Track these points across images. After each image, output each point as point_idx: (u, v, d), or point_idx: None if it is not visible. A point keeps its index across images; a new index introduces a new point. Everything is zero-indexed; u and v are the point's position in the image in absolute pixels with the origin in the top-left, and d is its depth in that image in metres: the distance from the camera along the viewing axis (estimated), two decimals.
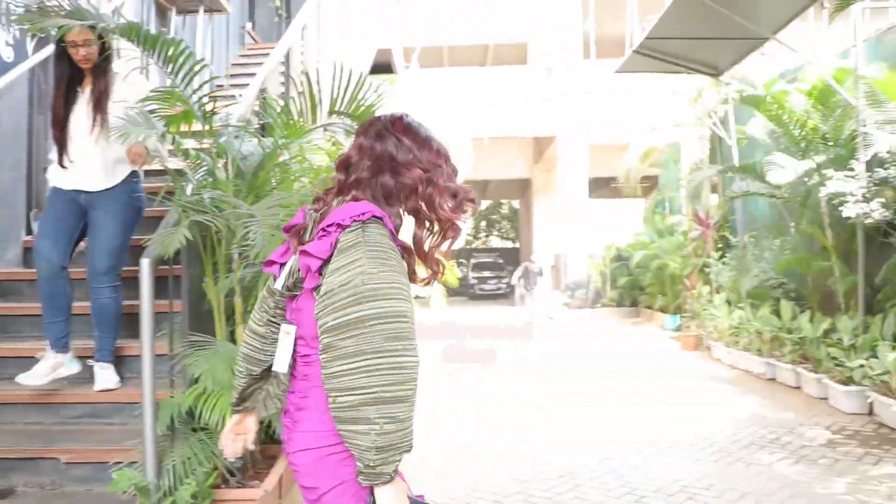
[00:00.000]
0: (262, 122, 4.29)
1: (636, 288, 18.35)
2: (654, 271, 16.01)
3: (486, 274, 31.86)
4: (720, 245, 12.63)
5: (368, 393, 1.66)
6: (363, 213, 1.78)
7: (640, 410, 7.43)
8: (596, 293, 19.50)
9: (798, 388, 8.12)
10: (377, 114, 2.85)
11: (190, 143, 3.57)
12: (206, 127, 3.45)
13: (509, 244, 43.42)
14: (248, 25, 10.48)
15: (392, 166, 1.89)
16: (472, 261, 33.69)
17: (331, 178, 2.04)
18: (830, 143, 8.04)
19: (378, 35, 9.47)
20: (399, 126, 1.96)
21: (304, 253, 1.80)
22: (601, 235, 20.92)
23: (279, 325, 2.02)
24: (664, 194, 16.28)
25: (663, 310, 15.89)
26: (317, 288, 1.79)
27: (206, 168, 3.51)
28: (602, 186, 25.35)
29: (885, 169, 6.85)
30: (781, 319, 8.81)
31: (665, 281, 15.62)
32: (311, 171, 3.86)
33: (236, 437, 2.10)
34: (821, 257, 8.73)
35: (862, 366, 6.67)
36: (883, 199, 6.81)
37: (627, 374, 9.75)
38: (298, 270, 1.86)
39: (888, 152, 6.57)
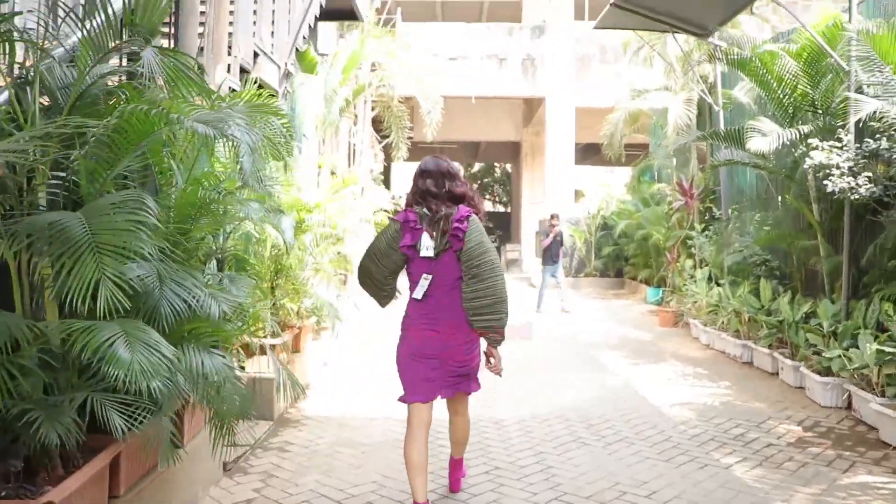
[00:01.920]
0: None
1: (621, 258, 17.75)
2: (638, 241, 15.40)
3: None
4: (706, 217, 11.98)
5: (501, 298, 3.59)
6: (470, 212, 3.68)
7: (596, 394, 6.86)
8: (580, 262, 18.86)
9: (775, 374, 7.56)
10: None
11: None
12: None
13: (501, 209, 42.67)
14: None
15: (457, 194, 3.72)
16: None
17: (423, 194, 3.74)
18: (820, 111, 7.36)
19: None
20: (450, 169, 3.79)
21: (458, 232, 3.59)
22: (588, 203, 20.24)
23: (392, 276, 3.79)
24: (651, 161, 15.57)
25: (647, 282, 15.31)
26: (460, 250, 3.57)
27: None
28: (593, 154, 24.59)
29: (876, 140, 6.17)
30: (760, 299, 8.21)
31: (649, 252, 15.03)
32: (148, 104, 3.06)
33: None
34: (806, 235, 8.10)
35: (840, 356, 6.07)
36: (870, 174, 6.15)
37: (593, 349, 9.17)
38: (447, 243, 3.59)
39: (880, 121, 5.88)
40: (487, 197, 44.56)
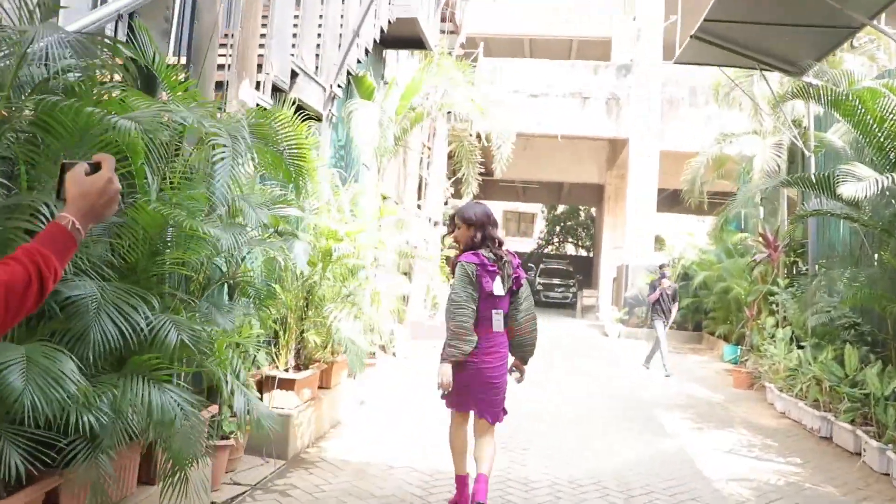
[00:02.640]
0: None
1: (700, 311, 16.68)
2: (718, 294, 14.39)
3: (555, 281, 30.23)
4: (792, 272, 11.00)
5: (537, 328, 4.49)
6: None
7: (644, 459, 6.07)
8: None
9: (857, 455, 6.59)
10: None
11: None
12: None
13: (583, 253, 41.63)
14: None
15: (497, 237, 4.43)
16: (541, 266, 32.28)
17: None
18: None
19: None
20: (491, 215, 4.45)
21: (521, 276, 4.43)
22: (670, 251, 19.27)
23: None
24: (737, 210, 14.58)
25: (726, 338, 14.26)
26: (518, 290, 4.43)
27: None
28: (680, 201, 23.60)
29: None
30: (845, 368, 7.26)
31: (729, 306, 14.00)
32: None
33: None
34: None
35: None
36: None
37: (654, 407, 8.34)
38: (512, 282, 4.36)
39: None
40: (570, 241, 43.62)
